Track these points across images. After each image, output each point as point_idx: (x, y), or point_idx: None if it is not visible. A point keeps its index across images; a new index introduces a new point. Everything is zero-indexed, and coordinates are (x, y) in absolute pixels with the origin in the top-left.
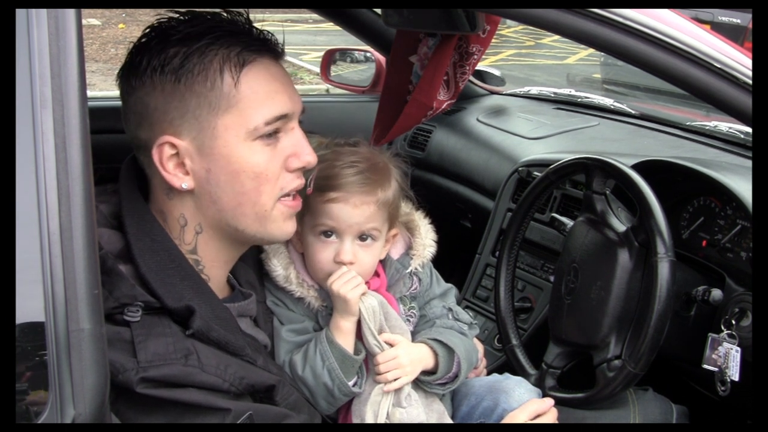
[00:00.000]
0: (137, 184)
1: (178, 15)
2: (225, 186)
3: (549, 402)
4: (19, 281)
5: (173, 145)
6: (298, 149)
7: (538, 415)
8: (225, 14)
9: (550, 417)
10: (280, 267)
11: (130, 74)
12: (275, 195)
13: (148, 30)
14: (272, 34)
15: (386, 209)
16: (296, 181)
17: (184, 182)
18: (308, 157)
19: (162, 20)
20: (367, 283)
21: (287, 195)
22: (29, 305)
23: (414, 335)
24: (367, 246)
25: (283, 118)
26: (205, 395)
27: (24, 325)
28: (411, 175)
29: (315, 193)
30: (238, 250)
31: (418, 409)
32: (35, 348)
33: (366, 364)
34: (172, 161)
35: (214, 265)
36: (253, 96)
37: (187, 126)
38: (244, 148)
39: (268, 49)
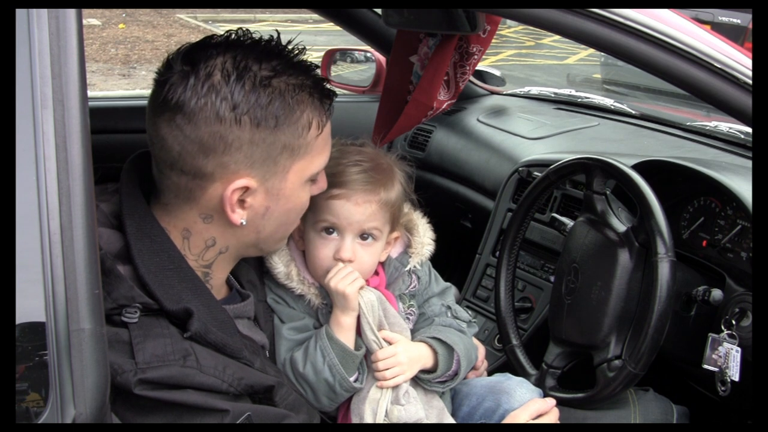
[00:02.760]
0: (139, 185)
1: (233, 34)
2: (275, 220)
3: (551, 402)
4: (19, 281)
5: (246, 187)
6: (321, 178)
7: (540, 415)
8: (283, 46)
9: (552, 417)
10: (281, 264)
11: (210, 96)
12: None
13: (212, 49)
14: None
15: (388, 210)
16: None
17: (243, 218)
18: (324, 184)
19: (222, 39)
20: (366, 281)
21: None
22: (30, 305)
23: (413, 333)
24: (367, 245)
25: None
26: (203, 396)
27: (24, 324)
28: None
29: None
30: (242, 260)
31: (417, 406)
32: (35, 348)
33: (366, 359)
34: (236, 196)
35: (220, 276)
36: (323, 143)
37: (264, 169)
38: (302, 189)
39: (334, 93)
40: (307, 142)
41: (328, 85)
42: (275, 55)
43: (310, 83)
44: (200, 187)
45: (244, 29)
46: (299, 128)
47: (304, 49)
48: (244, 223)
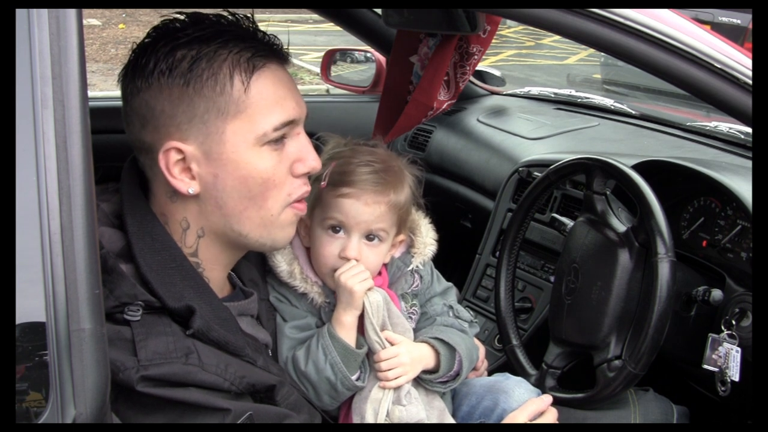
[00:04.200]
0: (139, 184)
1: (184, 17)
2: (232, 191)
3: (547, 399)
4: (19, 281)
5: (180, 150)
6: (304, 154)
7: (541, 414)
8: (231, 17)
9: (551, 417)
10: (284, 262)
11: (135, 75)
12: (283, 201)
13: (153, 31)
14: (278, 39)
15: (396, 212)
16: (303, 188)
17: (191, 187)
18: (313, 162)
19: (167, 21)
20: None
21: (298, 201)
22: (30, 305)
23: (415, 332)
24: (373, 246)
25: (290, 123)
26: (205, 395)
27: (25, 324)
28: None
29: (328, 188)
30: (237, 253)
31: (418, 407)
32: (36, 348)
33: (368, 359)
34: (178, 166)
35: (214, 268)
36: (263, 102)
37: (194, 131)
38: (252, 154)
39: (276, 54)
40: (234, 99)
41: (274, 47)
42: (209, 26)
43: (241, 46)
44: (151, 160)
45: (193, 13)
46: (218, 85)
47: (251, 19)
48: (191, 191)
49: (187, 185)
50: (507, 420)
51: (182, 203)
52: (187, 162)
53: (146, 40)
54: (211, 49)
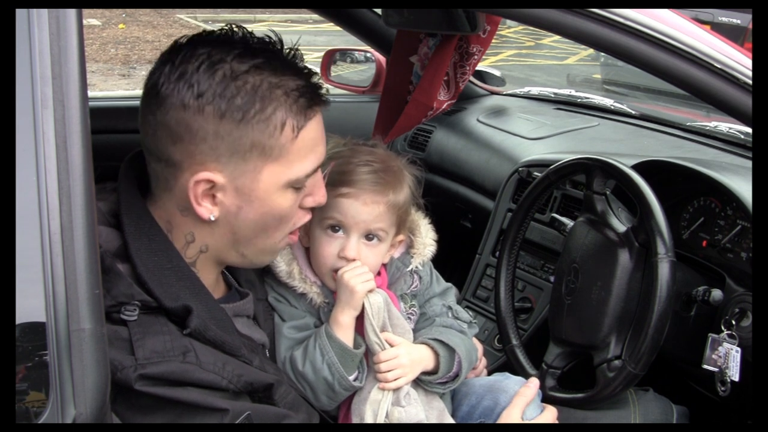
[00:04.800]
0: (137, 184)
1: (236, 29)
2: (249, 223)
3: (534, 384)
4: (19, 280)
5: (210, 180)
6: (316, 189)
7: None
8: (279, 43)
9: (549, 416)
10: (282, 263)
11: (179, 86)
12: (288, 231)
13: (205, 38)
14: (320, 78)
15: (395, 212)
16: (306, 217)
17: (212, 213)
18: (321, 198)
19: (219, 32)
20: None
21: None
22: (30, 305)
23: (414, 333)
24: (372, 246)
25: (318, 167)
26: (203, 394)
27: (24, 324)
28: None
29: (327, 187)
30: (227, 265)
31: (417, 408)
32: (36, 348)
33: (366, 359)
34: (205, 193)
35: (209, 277)
36: (304, 149)
37: (232, 165)
38: (279, 194)
39: (324, 100)
40: (281, 144)
41: (321, 92)
42: (261, 52)
43: (294, 86)
44: (173, 175)
45: (242, 27)
46: (270, 127)
47: (300, 52)
48: (212, 218)
49: (209, 212)
50: (501, 419)
51: (194, 219)
52: (214, 190)
53: (201, 51)
54: (267, 89)
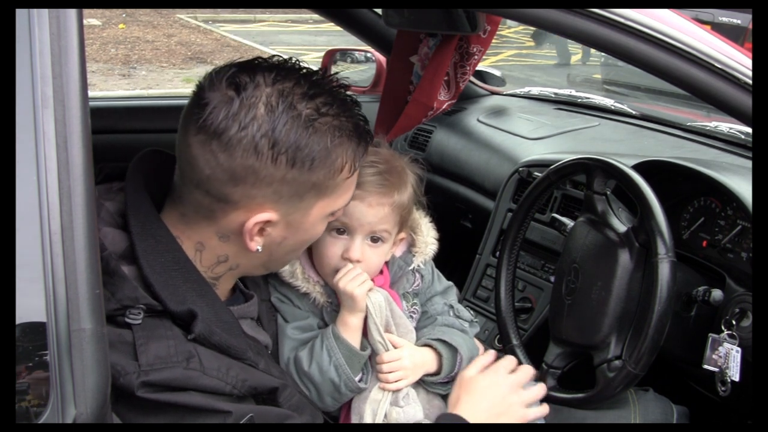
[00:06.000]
0: (144, 185)
1: (301, 65)
2: (288, 248)
3: (490, 354)
4: (19, 280)
5: (269, 220)
6: (339, 211)
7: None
8: (336, 82)
9: (542, 412)
10: None
11: (249, 129)
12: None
13: (258, 69)
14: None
15: (399, 213)
16: None
17: (259, 245)
18: (340, 215)
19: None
20: (372, 280)
21: None
22: (30, 305)
23: (416, 332)
24: (376, 246)
25: None
26: (206, 398)
27: (25, 324)
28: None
29: None
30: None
31: (416, 408)
32: (36, 348)
33: (369, 360)
34: (259, 229)
35: (226, 287)
36: (351, 183)
37: (289, 204)
38: (321, 223)
39: (372, 137)
40: (336, 183)
41: (369, 129)
42: (321, 91)
43: (351, 125)
44: (223, 210)
45: (293, 58)
46: (332, 170)
47: (349, 85)
48: (259, 249)
49: (256, 244)
50: (459, 378)
51: (234, 246)
52: (267, 225)
53: (265, 89)
54: (334, 134)
